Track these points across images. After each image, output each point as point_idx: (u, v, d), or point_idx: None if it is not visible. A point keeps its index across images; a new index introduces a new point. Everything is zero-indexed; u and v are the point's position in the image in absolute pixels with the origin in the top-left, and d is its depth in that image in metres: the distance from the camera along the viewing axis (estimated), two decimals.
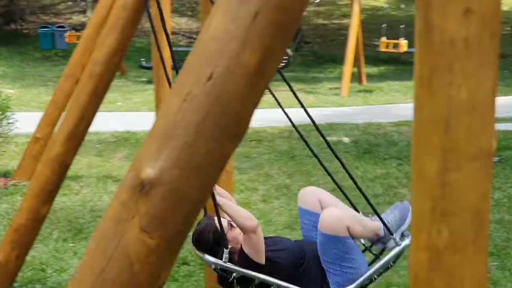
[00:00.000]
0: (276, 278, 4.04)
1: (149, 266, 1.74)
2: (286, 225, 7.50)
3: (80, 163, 9.64)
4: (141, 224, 1.74)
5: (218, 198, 4.04)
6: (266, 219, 7.70)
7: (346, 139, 12.16)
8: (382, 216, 4.15)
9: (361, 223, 4.16)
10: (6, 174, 9.87)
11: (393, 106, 16.02)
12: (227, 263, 4.03)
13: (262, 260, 4.08)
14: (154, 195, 1.74)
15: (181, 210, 1.77)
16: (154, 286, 1.78)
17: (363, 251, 4.34)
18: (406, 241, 4.09)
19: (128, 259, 1.73)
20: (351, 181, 4.34)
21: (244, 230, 4.05)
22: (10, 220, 7.10)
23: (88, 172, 9.48)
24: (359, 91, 18.22)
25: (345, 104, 16.32)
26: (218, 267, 4.05)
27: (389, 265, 4.08)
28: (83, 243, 6.93)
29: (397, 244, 4.08)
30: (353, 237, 4.10)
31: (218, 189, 4.22)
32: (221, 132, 1.78)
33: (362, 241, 4.38)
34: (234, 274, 4.02)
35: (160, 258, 1.75)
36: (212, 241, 4.14)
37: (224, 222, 4.09)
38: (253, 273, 4.03)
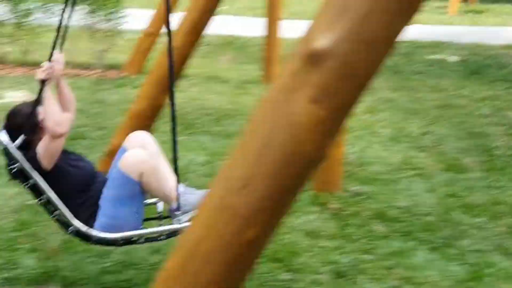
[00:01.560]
0: (53, 189, 3.91)
1: (315, 136, 1.78)
2: (390, 137, 7.46)
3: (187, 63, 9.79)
4: (311, 94, 1.76)
5: (47, 91, 3.92)
6: (371, 130, 7.67)
7: (452, 58, 11.86)
8: (184, 190, 3.93)
9: (159, 179, 3.96)
10: (116, 67, 10.14)
11: (503, 28, 15.45)
12: (14, 148, 3.91)
13: (46, 165, 3.92)
14: (326, 66, 1.76)
15: (350, 83, 1.78)
16: (318, 157, 1.82)
17: (153, 219, 4.20)
18: (185, 224, 3.82)
19: (296, 127, 1.76)
20: None
21: (48, 130, 3.90)
22: (121, 110, 7.33)
23: (196, 72, 9.61)
24: (468, 11, 17.63)
25: (453, 23, 15.84)
26: (4, 148, 3.94)
27: (161, 237, 3.93)
28: (191, 138, 7.10)
29: (178, 222, 3.86)
30: (143, 187, 3.93)
31: (57, 63, 4.03)
32: (394, 8, 1.76)
33: (159, 209, 4.20)
34: (17, 164, 3.88)
35: (327, 128, 1.78)
36: (17, 121, 3.99)
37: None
38: (31, 171, 3.88)
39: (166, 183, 3.97)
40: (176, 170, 3.89)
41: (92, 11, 10.34)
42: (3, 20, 10.12)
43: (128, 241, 3.89)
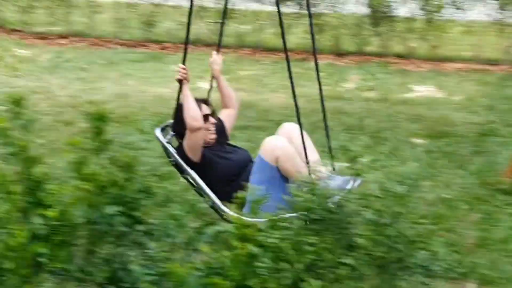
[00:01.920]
0: (203, 179, 4.19)
1: None
2: None
3: None
4: None
5: (185, 89, 4.32)
6: None
7: None
8: (326, 176, 3.89)
9: (295, 164, 4.11)
10: None
11: None
12: (167, 144, 4.37)
13: (194, 157, 4.30)
14: None
15: None
16: None
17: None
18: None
19: None
20: None
21: (186, 125, 4.26)
22: None
23: None
24: None
25: None
26: (161, 144, 4.39)
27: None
28: None
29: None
30: (281, 171, 4.13)
31: (215, 64, 4.55)
32: None
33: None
34: (171, 159, 4.25)
35: None
36: (175, 118, 4.44)
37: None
38: (181, 163, 4.25)
39: (300, 167, 4.10)
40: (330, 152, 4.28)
41: (503, 6, 10.14)
42: (414, 16, 10.42)
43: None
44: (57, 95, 8.07)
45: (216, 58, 4.61)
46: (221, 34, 4.68)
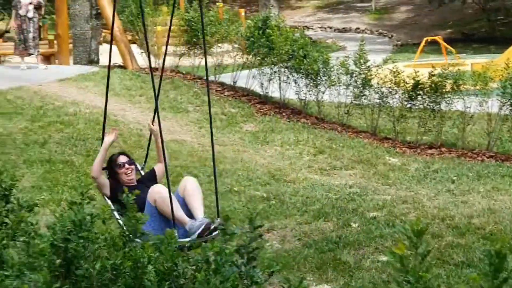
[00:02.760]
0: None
1: None
2: None
3: None
4: None
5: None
6: None
7: None
8: (192, 221, 5.80)
9: (168, 206, 5.71)
10: None
11: None
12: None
13: (106, 193, 6.20)
14: None
15: None
16: None
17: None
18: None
19: None
20: None
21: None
22: None
23: None
24: None
25: None
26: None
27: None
28: None
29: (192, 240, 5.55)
30: (158, 210, 5.82)
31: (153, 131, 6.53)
32: None
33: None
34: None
35: None
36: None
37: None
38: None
39: (177, 211, 5.73)
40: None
41: None
42: None
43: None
44: (425, 206, 8.09)
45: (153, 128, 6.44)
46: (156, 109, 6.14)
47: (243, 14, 20.54)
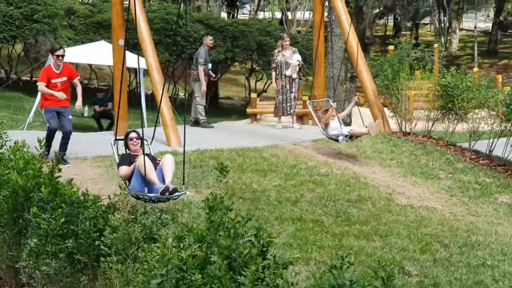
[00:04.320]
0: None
1: None
2: None
3: None
4: None
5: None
6: None
7: None
8: (160, 183, 8.46)
9: (144, 170, 8.40)
10: None
11: None
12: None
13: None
14: None
15: None
16: None
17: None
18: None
19: None
20: None
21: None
22: None
23: None
24: None
25: None
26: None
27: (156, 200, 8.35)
28: None
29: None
30: (139, 172, 8.50)
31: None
32: None
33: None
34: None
35: None
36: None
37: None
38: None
39: (152, 174, 8.44)
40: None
41: None
42: None
43: (138, 197, 8.36)
44: None
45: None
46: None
47: (500, 80, 19.77)
